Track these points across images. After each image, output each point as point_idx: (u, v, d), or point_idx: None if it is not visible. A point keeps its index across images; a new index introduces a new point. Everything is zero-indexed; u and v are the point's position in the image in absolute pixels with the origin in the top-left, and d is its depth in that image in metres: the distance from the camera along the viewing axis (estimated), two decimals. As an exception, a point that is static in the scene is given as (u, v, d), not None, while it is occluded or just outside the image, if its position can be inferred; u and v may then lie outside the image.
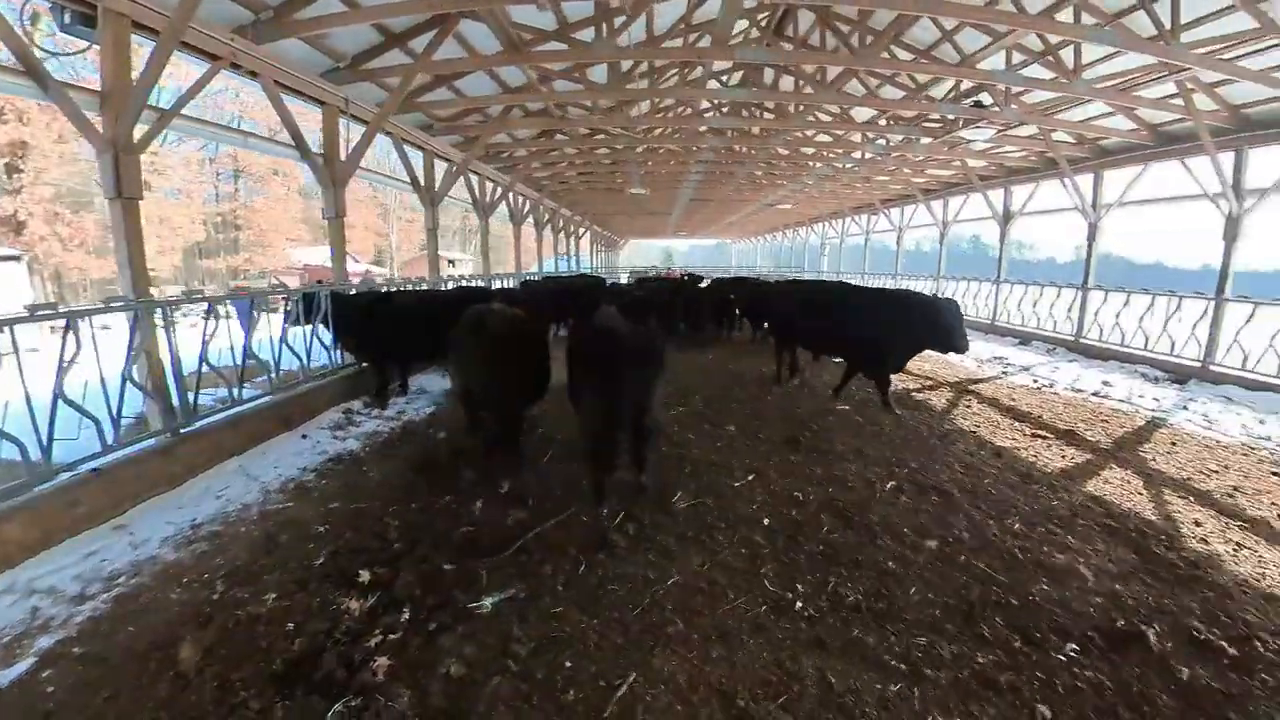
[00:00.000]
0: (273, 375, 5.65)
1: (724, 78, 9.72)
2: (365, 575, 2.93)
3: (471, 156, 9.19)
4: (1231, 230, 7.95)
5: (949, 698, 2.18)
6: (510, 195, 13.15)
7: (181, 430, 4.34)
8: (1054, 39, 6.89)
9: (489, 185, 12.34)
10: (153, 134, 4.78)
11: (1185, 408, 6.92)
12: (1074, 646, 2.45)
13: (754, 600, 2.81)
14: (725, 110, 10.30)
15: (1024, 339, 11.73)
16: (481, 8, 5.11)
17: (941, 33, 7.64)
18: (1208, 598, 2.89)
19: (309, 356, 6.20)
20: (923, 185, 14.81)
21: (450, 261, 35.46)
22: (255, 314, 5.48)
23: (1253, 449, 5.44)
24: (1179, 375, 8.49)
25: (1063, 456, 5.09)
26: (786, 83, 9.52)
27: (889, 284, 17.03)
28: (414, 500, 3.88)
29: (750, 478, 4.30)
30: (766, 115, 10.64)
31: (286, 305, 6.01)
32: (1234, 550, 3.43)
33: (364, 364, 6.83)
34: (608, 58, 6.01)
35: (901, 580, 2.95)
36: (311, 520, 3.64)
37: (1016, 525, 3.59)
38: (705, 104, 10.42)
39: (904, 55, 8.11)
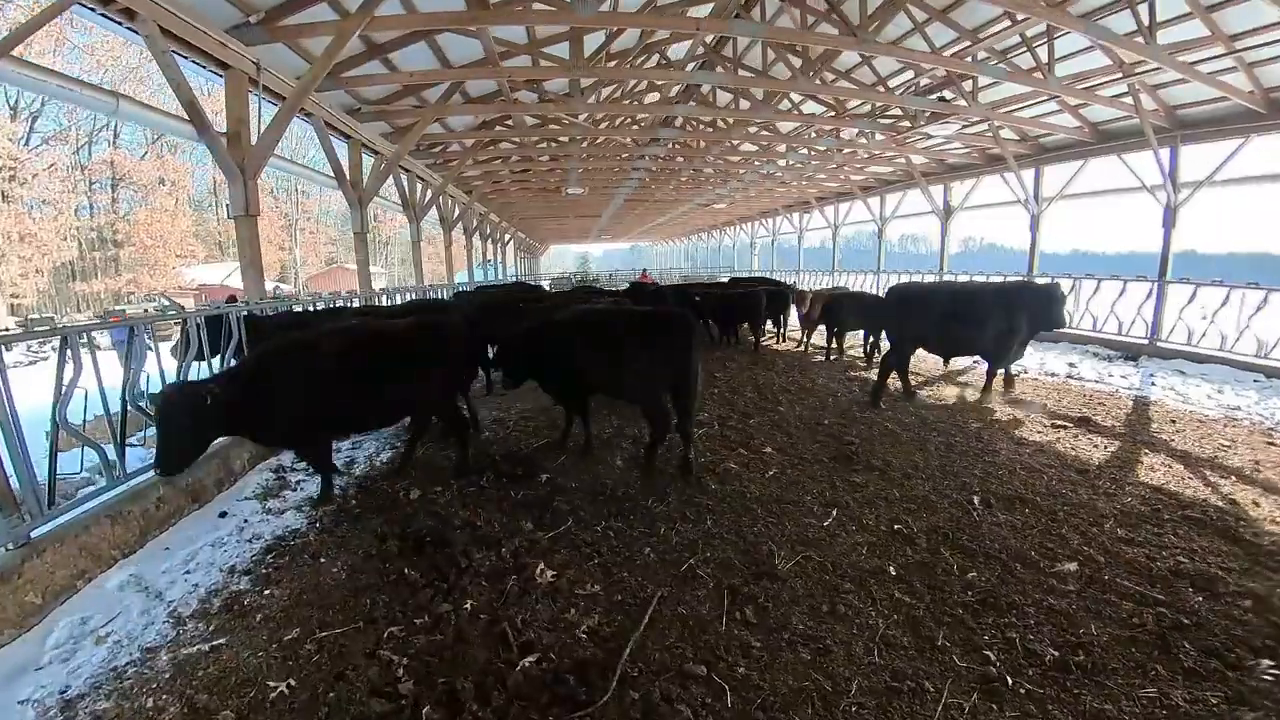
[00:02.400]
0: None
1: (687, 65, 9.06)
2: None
3: (405, 149, 7.81)
4: (1170, 218, 8.48)
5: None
6: (441, 198, 11.67)
7: (31, 534, 2.85)
8: (1031, 32, 6.89)
9: (419, 186, 10.83)
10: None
11: (1154, 384, 7.39)
12: (1269, 663, 2.28)
13: (959, 686, 2.19)
14: (687, 101, 9.66)
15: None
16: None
17: (913, 24, 7.48)
18: (1329, 584, 2.81)
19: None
20: (861, 183, 15.12)
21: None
22: (141, 345, 4.00)
23: (1234, 420, 5.86)
24: (1130, 353, 9.05)
25: (1095, 445, 5.07)
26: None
27: (828, 280, 17.32)
28: (416, 611, 2.64)
29: (834, 512, 3.65)
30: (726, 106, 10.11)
31: (184, 332, 4.48)
32: (1305, 527, 3.50)
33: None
34: (595, 23, 5.08)
35: (1074, 618, 2.60)
36: (263, 670, 2.33)
37: (1119, 530, 3.44)
38: (659, 94, 9.75)
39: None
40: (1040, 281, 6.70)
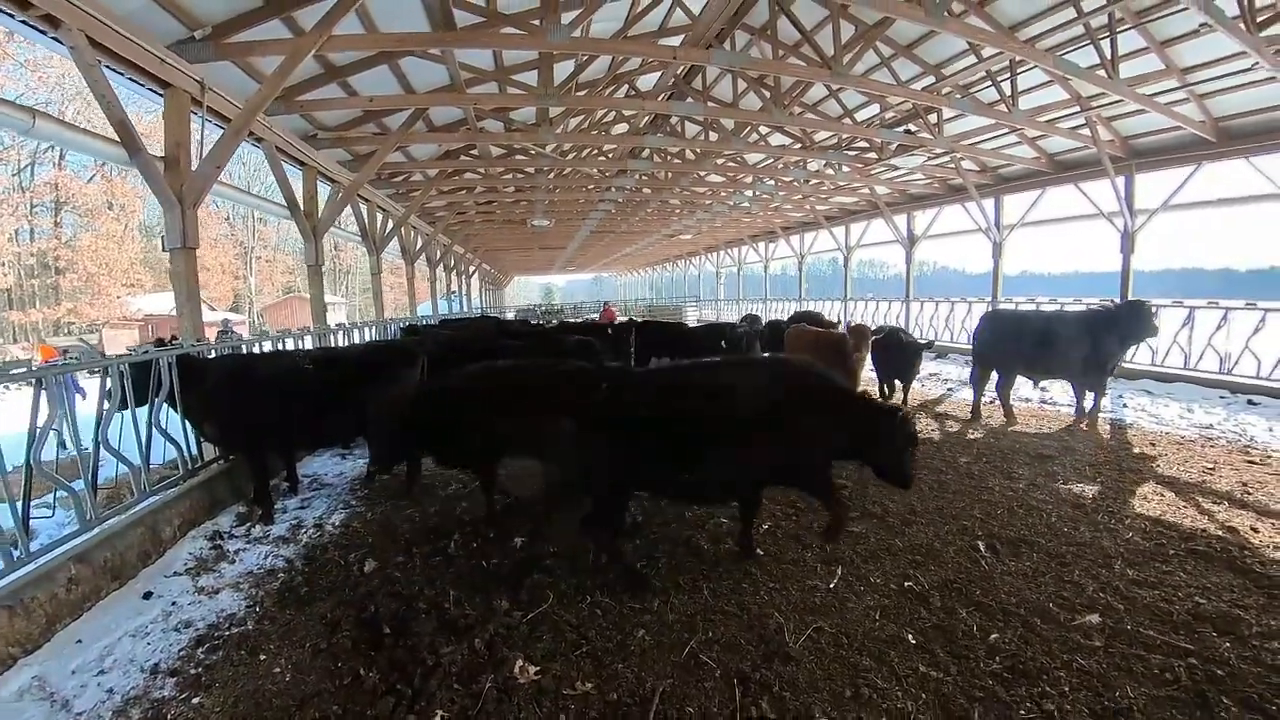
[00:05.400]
0: (85, 492, 3.57)
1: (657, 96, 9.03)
2: None
3: (365, 178, 7.41)
4: (1128, 244, 8.79)
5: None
6: (403, 229, 11.22)
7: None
8: (995, 68, 7.10)
9: (379, 216, 10.37)
10: None
11: (1125, 405, 7.52)
12: None
13: None
14: (656, 132, 9.62)
15: (940, 353, 12.21)
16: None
17: (880, 59, 7.64)
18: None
19: (148, 455, 4.14)
20: (826, 212, 15.40)
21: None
22: (55, 397, 3.46)
23: (1210, 440, 6.04)
24: (1097, 375, 9.21)
25: (1084, 477, 5.02)
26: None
27: (794, 307, 17.46)
28: None
29: (839, 570, 3.36)
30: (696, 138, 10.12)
31: (104, 381, 3.92)
32: (1303, 552, 3.47)
33: (229, 456, 4.83)
34: (567, 49, 4.89)
35: (1107, 679, 2.42)
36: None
37: (1130, 572, 3.36)
38: (627, 125, 9.68)
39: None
40: (1137, 301, 6.95)
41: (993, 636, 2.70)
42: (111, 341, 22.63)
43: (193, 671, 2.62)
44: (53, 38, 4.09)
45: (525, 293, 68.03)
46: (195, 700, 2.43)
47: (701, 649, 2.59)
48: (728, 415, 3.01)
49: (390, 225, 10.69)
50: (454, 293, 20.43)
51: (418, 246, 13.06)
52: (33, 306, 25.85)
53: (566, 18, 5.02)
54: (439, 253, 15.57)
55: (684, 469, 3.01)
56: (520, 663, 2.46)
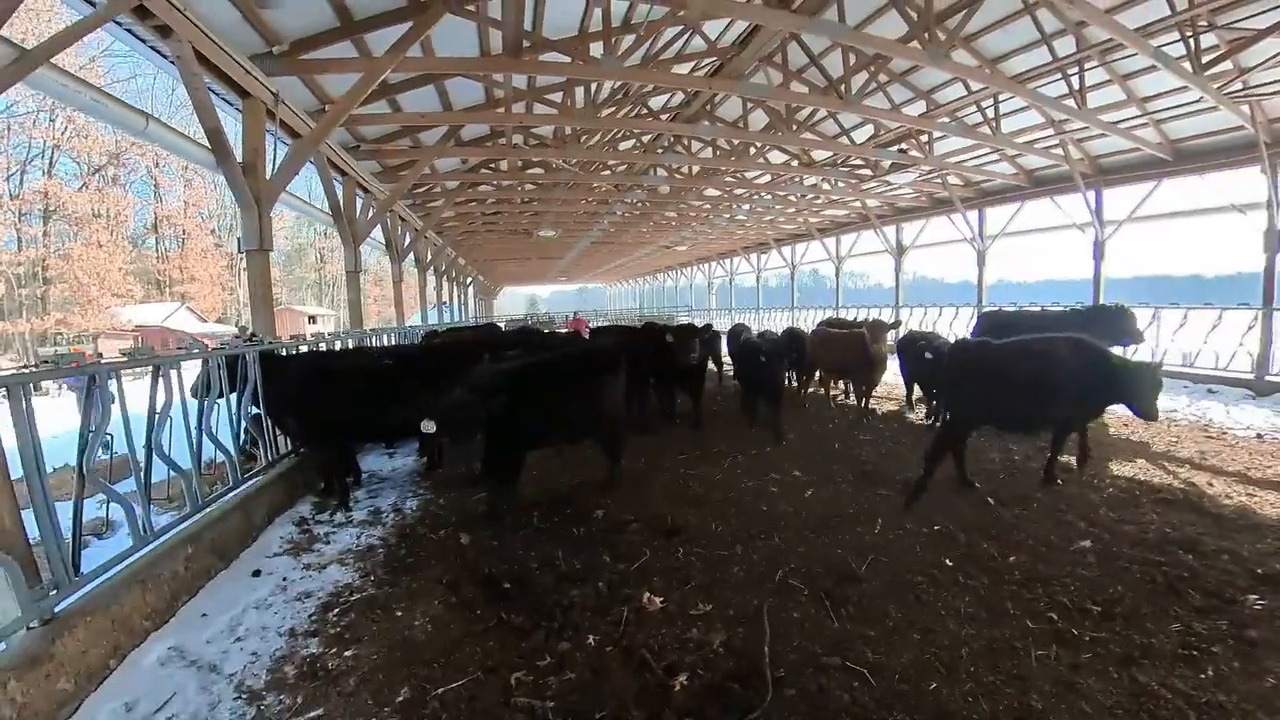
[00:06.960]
0: (194, 476, 3.86)
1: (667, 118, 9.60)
2: None
3: (402, 188, 7.82)
4: (1099, 252, 9.66)
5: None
6: (419, 241, 11.58)
7: (55, 609, 2.45)
8: (980, 95, 7.84)
9: (399, 226, 10.74)
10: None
11: None
12: (1255, 597, 2.87)
13: (1040, 641, 2.55)
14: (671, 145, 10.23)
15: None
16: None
17: (877, 85, 8.32)
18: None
19: (239, 444, 4.46)
20: (818, 224, 16.19)
21: (310, 318, 31.05)
22: (168, 385, 3.77)
23: (1174, 421, 6.93)
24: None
25: (1068, 449, 5.42)
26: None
27: (787, 316, 18.15)
28: (534, 654, 2.53)
29: (879, 520, 3.95)
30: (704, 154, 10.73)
31: (205, 371, 4.24)
32: (1250, 499, 4.23)
33: (300, 450, 5.15)
34: (621, 75, 5.42)
35: (1102, 583, 3.04)
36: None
37: (1111, 514, 4.04)
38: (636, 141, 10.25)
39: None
40: (1116, 305, 7.68)
41: (1010, 558, 3.34)
42: (107, 350, 22.33)
43: (332, 632, 2.78)
44: (152, 46, 4.42)
45: (512, 303, 67.87)
46: (348, 653, 2.59)
47: (788, 577, 3.16)
48: (1051, 373, 4.15)
49: (410, 237, 11.04)
50: (444, 302, 20.61)
51: (429, 257, 13.41)
52: (19, 316, 25.18)
53: (609, 46, 5.56)
54: (445, 264, 15.91)
55: (1019, 411, 4.25)
56: (647, 595, 2.94)
